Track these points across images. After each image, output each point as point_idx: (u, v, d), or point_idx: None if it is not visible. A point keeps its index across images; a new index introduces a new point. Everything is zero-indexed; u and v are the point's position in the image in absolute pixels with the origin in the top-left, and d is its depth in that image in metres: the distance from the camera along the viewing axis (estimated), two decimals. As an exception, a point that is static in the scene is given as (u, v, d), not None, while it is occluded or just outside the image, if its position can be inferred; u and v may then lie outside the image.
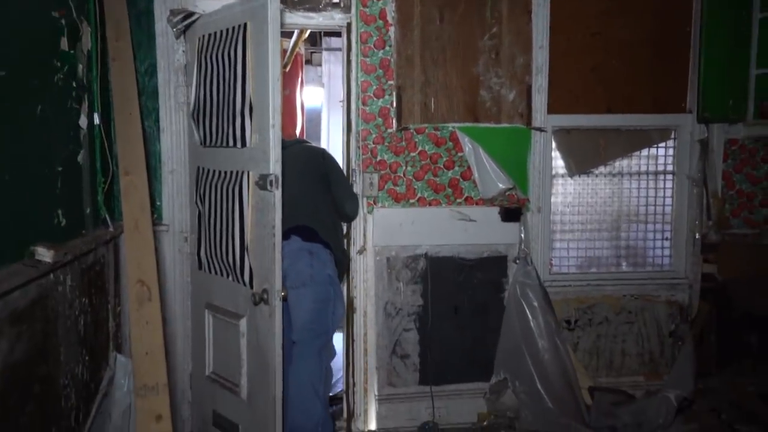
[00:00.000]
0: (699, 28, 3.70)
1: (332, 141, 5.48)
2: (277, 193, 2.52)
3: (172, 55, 3.24)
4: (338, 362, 4.28)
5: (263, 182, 2.55)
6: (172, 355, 3.24)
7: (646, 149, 3.94)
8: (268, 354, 2.64)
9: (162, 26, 3.20)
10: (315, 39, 5.44)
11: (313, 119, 5.51)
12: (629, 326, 3.85)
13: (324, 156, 3.39)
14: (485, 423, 3.63)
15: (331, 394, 3.97)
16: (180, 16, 3.13)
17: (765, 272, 3.97)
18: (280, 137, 2.54)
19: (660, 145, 3.93)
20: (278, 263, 2.56)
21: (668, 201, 3.97)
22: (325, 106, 5.50)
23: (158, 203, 3.26)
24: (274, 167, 2.52)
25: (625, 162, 3.92)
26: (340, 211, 3.35)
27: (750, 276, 3.97)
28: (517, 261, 3.60)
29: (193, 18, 3.10)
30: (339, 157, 3.46)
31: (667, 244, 3.99)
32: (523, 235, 3.63)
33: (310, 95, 5.45)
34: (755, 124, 3.73)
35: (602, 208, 3.91)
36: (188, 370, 3.35)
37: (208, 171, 3.00)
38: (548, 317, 3.53)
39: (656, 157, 3.96)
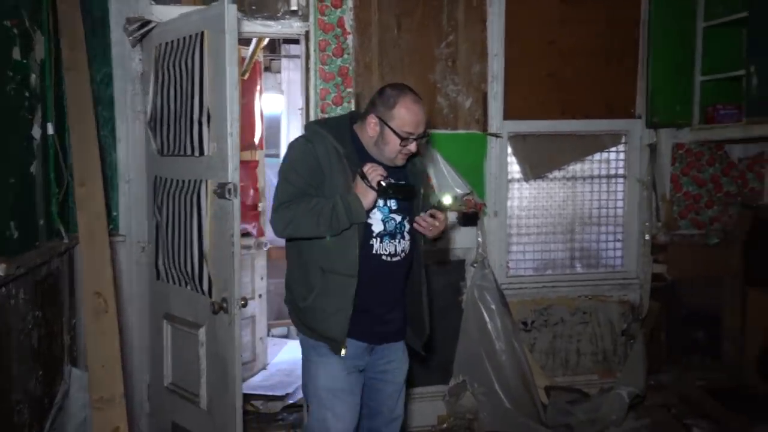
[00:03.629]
0: (647, 37, 3.81)
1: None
2: (236, 202, 2.54)
3: (129, 63, 3.20)
4: (296, 370, 4.30)
5: (221, 191, 2.55)
6: (130, 367, 3.19)
7: (599, 154, 4.03)
8: (227, 363, 2.63)
9: (118, 35, 3.16)
10: (274, 46, 5.42)
11: (273, 126, 5.47)
12: (584, 326, 3.93)
13: None
14: (445, 425, 3.66)
15: (291, 401, 3.99)
16: (136, 25, 3.11)
17: (710, 271, 4.11)
18: (238, 145, 2.58)
19: (611, 149, 4.03)
20: (237, 271, 2.58)
21: (620, 204, 4.08)
22: (284, 113, 5.47)
23: (115, 214, 3.21)
24: (233, 176, 2.55)
25: (578, 166, 4.01)
26: None
27: (697, 275, 4.10)
28: (475, 265, 3.66)
29: (150, 26, 3.08)
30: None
31: (619, 245, 4.10)
32: (480, 239, 3.68)
33: (270, 102, 5.42)
34: (700, 128, 3.83)
35: (557, 211, 3.99)
36: (146, 381, 3.31)
37: (166, 180, 2.98)
38: (505, 319, 3.59)
39: (608, 161, 4.05)
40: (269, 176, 5.49)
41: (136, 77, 3.22)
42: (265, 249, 4.59)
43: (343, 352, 2.24)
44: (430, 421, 3.70)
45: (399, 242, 2.30)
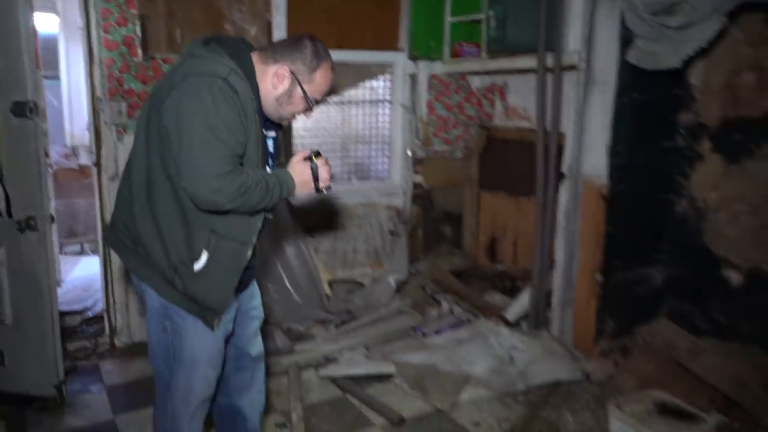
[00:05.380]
0: (407, -23, 3.89)
1: (73, 70, 4.82)
2: (38, 121, 2.38)
3: None
4: (93, 285, 4.03)
5: (20, 110, 2.34)
6: None
7: (369, 81, 4.16)
8: (40, 278, 2.53)
9: None
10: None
11: (50, 47, 4.73)
12: (359, 229, 4.11)
13: (177, 89, 1.62)
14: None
15: (90, 315, 3.73)
16: None
17: (456, 180, 4.45)
18: (34, 63, 2.33)
19: (380, 78, 4.17)
20: (46, 190, 2.48)
21: (387, 125, 4.28)
22: (61, 33, 4.75)
23: None
24: (33, 94, 2.34)
25: (352, 92, 4.11)
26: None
27: (446, 183, 4.42)
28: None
29: None
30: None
31: (386, 160, 4.33)
32: (269, 157, 3.66)
33: (43, 22, 4.66)
34: (449, 62, 4.07)
35: (335, 131, 4.11)
36: None
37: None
38: (294, 227, 3.66)
39: (377, 88, 4.20)
40: (49, 98, 4.83)
41: None
42: (51, 171, 4.09)
43: (216, 323, 1.79)
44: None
45: None
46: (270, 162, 1.84)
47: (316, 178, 1.77)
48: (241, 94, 1.62)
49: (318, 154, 1.80)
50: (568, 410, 2.80)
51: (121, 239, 1.84)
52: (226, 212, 1.67)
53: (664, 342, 3.16)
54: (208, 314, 1.78)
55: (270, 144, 1.85)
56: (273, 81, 1.74)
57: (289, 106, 1.78)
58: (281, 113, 1.80)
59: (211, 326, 1.79)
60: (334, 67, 1.80)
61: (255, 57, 1.75)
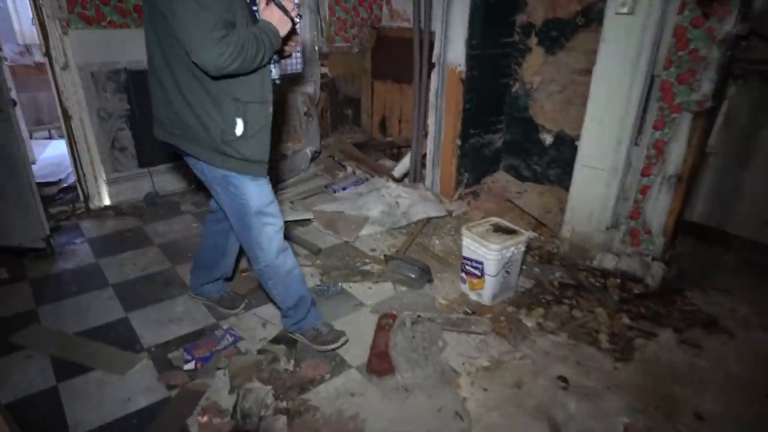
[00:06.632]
0: None
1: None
2: None
3: None
4: (64, 162, 3.91)
5: None
6: None
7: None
8: (13, 153, 2.49)
9: None
10: None
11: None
12: (281, 112, 4.10)
13: None
14: (193, 186, 3.73)
15: (65, 185, 3.68)
16: None
17: (354, 70, 4.48)
18: None
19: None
20: (3, 77, 2.37)
21: (299, 25, 4.14)
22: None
23: None
24: None
25: None
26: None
27: (346, 73, 4.45)
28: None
29: None
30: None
31: (300, 55, 4.23)
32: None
33: None
34: (347, -30, 4.00)
35: (254, 30, 3.96)
36: None
37: None
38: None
39: (289, -7, 4.05)
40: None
41: None
42: (6, 62, 3.77)
43: (264, 171, 1.80)
44: (180, 186, 3.72)
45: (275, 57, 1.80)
46: None
47: (285, 12, 1.66)
48: None
49: None
50: (436, 236, 3.11)
51: (168, 131, 1.78)
52: (237, 76, 1.61)
53: (501, 187, 3.57)
54: (259, 167, 1.77)
55: (256, 15, 1.74)
56: None
57: None
58: None
59: (264, 174, 1.80)
60: None
61: None
